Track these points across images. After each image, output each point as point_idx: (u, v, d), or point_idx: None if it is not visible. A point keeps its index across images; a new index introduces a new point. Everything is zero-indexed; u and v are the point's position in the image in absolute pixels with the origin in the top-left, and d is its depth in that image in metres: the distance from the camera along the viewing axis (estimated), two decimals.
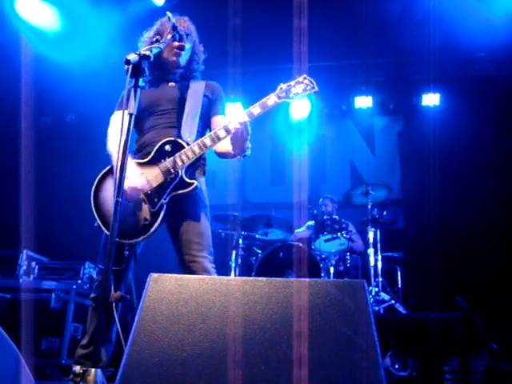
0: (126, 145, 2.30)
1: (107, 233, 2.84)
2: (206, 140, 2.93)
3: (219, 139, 2.93)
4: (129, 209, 2.86)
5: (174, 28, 3.01)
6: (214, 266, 2.95)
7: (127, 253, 2.85)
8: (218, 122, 3.22)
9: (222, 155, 3.19)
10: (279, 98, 2.98)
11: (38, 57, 6.46)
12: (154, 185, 2.89)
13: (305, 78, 2.99)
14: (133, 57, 2.40)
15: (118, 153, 2.27)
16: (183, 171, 2.90)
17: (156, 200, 2.86)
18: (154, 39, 3.04)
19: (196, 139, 3.02)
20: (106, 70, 6.47)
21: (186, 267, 2.87)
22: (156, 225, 2.83)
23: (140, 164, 2.96)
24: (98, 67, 6.62)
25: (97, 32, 6.41)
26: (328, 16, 6.35)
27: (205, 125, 3.22)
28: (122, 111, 3.05)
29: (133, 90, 2.37)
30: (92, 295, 3.00)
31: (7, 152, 6.66)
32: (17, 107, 6.73)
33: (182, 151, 2.92)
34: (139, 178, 2.85)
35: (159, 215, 2.83)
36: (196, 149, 2.92)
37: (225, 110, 3.34)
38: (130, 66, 2.39)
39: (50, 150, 7.30)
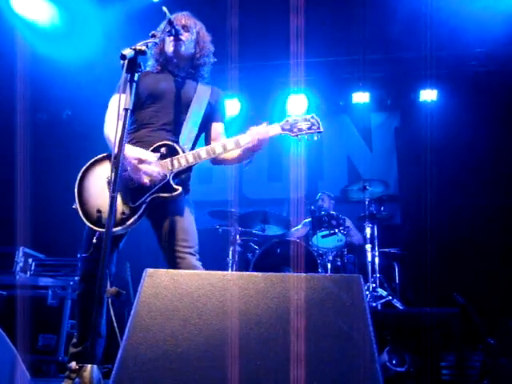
0: (121, 141, 2.29)
1: (84, 220, 2.83)
2: (202, 152, 2.94)
3: (214, 154, 2.96)
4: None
5: (170, 23, 3.00)
6: (200, 262, 2.93)
7: (95, 241, 2.79)
8: (217, 129, 3.26)
9: (216, 162, 3.22)
10: (283, 129, 3.00)
11: (34, 53, 6.44)
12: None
13: (312, 117, 3.01)
14: (128, 52, 2.40)
15: (114, 148, 2.27)
16: (171, 176, 2.89)
17: (138, 197, 2.84)
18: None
19: (192, 146, 3.07)
20: (102, 66, 6.46)
21: (172, 264, 2.86)
22: (132, 219, 2.80)
23: None
24: (94, 63, 6.61)
25: (93, 28, 6.39)
26: (325, 12, 6.34)
27: (201, 132, 3.23)
28: (119, 94, 3.09)
29: (128, 84, 2.36)
30: (78, 291, 2.98)
31: (3, 148, 6.64)
32: (12, 103, 6.71)
33: (176, 156, 2.91)
34: (157, 164, 2.85)
35: (138, 211, 2.81)
36: (190, 158, 2.92)
37: (225, 117, 3.36)
38: (126, 61, 2.38)
39: (45, 147, 7.29)
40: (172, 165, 2.89)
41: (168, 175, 2.87)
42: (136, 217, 2.81)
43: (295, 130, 2.98)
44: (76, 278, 5.27)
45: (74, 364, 2.53)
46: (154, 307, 1.85)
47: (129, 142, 3.10)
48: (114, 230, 2.76)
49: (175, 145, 2.96)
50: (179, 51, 3.18)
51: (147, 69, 3.27)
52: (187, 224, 2.96)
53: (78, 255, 3.02)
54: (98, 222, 2.81)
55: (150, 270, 1.93)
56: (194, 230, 3.00)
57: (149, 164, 2.82)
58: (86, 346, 2.73)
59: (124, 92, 2.37)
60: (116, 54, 2.42)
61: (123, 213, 2.82)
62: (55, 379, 4.50)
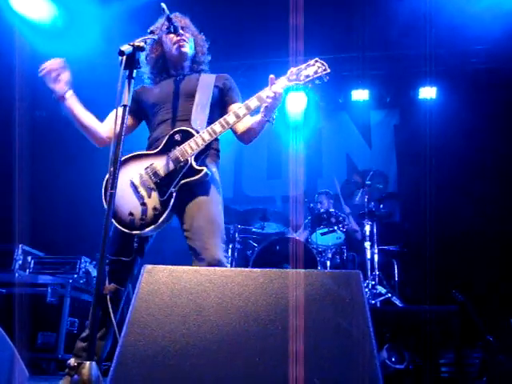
0: (119, 137, 2.28)
1: (116, 224, 2.81)
2: (216, 126, 2.89)
3: (229, 125, 2.90)
4: (138, 198, 2.84)
5: (169, 20, 2.99)
6: (226, 255, 2.88)
7: (136, 245, 2.81)
8: (236, 108, 3.15)
9: (243, 135, 3.14)
10: (289, 80, 2.93)
11: (33, 50, 6.42)
12: (163, 174, 2.86)
13: (316, 61, 2.94)
14: (127, 48, 2.38)
15: (112, 145, 2.26)
16: (192, 158, 2.85)
17: (165, 189, 2.82)
18: (149, 30, 3.03)
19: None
20: (101, 63, 6.44)
21: (196, 254, 2.80)
22: (166, 214, 2.78)
23: (149, 155, 2.94)
24: (93, 60, 6.59)
25: (92, 26, 6.37)
26: (324, 9, 6.32)
27: (215, 116, 3.13)
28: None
29: (127, 80, 2.35)
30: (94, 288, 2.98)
31: (1, 146, 6.62)
32: (11, 101, 6.69)
33: (192, 139, 2.88)
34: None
35: (169, 204, 2.79)
36: (206, 136, 2.88)
37: (240, 98, 3.28)
38: (124, 57, 2.37)
39: (45, 144, 7.27)
40: (191, 148, 2.85)
41: (189, 159, 2.84)
42: (168, 211, 2.79)
43: (302, 77, 2.92)
44: (75, 275, 5.29)
45: (72, 361, 2.52)
46: (153, 304, 1.84)
47: (149, 144, 3.11)
48: (147, 230, 2.80)
49: (188, 128, 2.92)
50: (185, 53, 3.20)
51: (145, 83, 3.28)
52: (212, 213, 2.90)
53: (109, 256, 2.94)
54: (130, 224, 2.80)
55: (148, 267, 1.93)
56: (221, 220, 2.94)
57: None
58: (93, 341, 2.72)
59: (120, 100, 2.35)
60: (115, 51, 2.41)
61: (155, 208, 2.80)
62: (55, 377, 4.49)
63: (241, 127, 3.09)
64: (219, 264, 2.78)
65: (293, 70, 2.95)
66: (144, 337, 1.78)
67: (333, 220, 5.79)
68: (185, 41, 3.16)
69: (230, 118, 2.91)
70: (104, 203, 2.88)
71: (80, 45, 6.42)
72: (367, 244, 5.89)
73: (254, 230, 6.26)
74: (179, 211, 2.95)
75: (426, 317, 4.07)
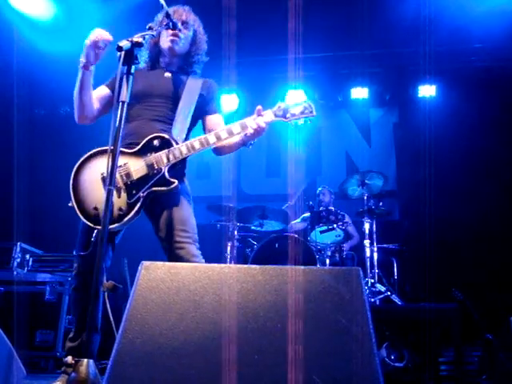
0: (118, 132, 2.27)
1: (81, 217, 2.82)
2: (195, 143, 2.89)
3: (208, 144, 2.91)
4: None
5: (168, 16, 2.98)
6: (200, 253, 2.91)
7: (93, 239, 2.76)
8: (215, 120, 3.20)
9: (217, 149, 3.17)
10: (276, 115, 2.96)
11: (32, 48, 6.41)
12: (135, 177, 2.85)
13: (305, 102, 2.99)
14: (125, 43, 2.38)
15: (110, 140, 2.25)
16: (167, 169, 2.85)
17: (134, 192, 2.82)
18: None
19: (185, 138, 3.02)
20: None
21: (173, 255, 2.83)
22: (130, 215, 2.78)
23: (125, 153, 2.91)
24: None
25: (92, 22, 6.34)
26: (323, 6, 6.30)
27: (194, 123, 3.19)
28: (104, 86, 3.13)
29: (125, 76, 2.34)
30: (73, 285, 2.97)
31: (0, 144, 6.61)
32: (10, 99, 6.68)
33: (170, 149, 2.87)
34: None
35: (135, 207, 2.79)
36: (184, 149, 2.88)
37: (221, 108, 3.31)
38: (122, 53, 2.36)
39: (43, 142, 7.26)
40: (167, 158, 2.86)
41: (163, 168, 2.84)
42: (133, 213, 2.79)
43: (288, 115, 2.96)
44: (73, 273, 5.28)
45: (69, 358, 2.51)
46: (150, 300, 1.83)
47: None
48: (112, 226, 2.76)
49: (168, 137, 2.92)
50: (174, 49, 3.17)
51: (140, 65, 3.26)
52: (185, 214, 2.93)
53: (74, 252, 2.98)
54: (94, 219, 2.79)
55: (145, 263, 1.91)
56: (193, 220, 2.97)
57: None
58: (83, 340, 2.72)
59: (118, 94, 2.34)
60: (114, 48, 2.40)
61: (120, 209, 2.80)
62: (53, 375, 4.47)
63: (218, 146, 3.09)
64: (196, 261, 2.82)
65: (281, 105, 2.98)
66: (142, 334, 1.76)
67: (332, 218, 5.78)
68: (178, 37, 3.13)
69: (210, 137, 2.91)
70: (71, 191, 2.89)
71: (79, 42, 6.38)
72: (366, 242, 5.88)
73: (252, 228, 6.25)
74: (150, 213, 2.98)
75: (425, 315, 4.06)
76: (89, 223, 2.78)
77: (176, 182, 2.86)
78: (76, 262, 2.90)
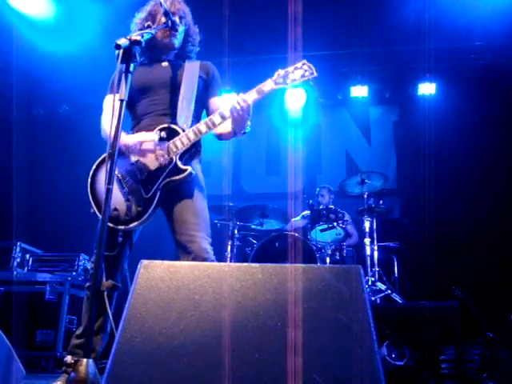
0: (117, 130, 2.27)
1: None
2: (201, 127, 2.90)
3: (214, 126, 2.91)
4: (123, 194, 2.86)
5: (166, 14, 2.97)
6: (212, 248, 2.89)
7: (120, 239, 2.84)
8: (215, 103, 3.19)
9: (219, 137, 3.16)
10: (276, 83, 2.92)
11: (31, 47, 6.40)
12: (149, 171, 2.86)
13: (304, 64, 2.94)
14: (123, 41, 2.37)
15: (109, 139, 2.25)
16: (177, 157, 2.86)
17: (150, 186, 2.84)
18: (146, 24, 3.02)
19: (192, 124, 2.99)
20: (99, 60, 6.40)
21: (183, 248, 2.82)
22: (149, 211, 2.81)
23: None
24: (91, 57, 6.56)
25: (90, 21, 6.33)
26: (322, 5, 6.29)
27: (199, 108, 3.18)
28: (112, 95, 3.05)
29: (123, 74, 2.33)
30: (87, 284, 3.00)
31: (0, 144, 6.61)
32: (9, 98, 6.67)
33: (177, 137, 2.88)
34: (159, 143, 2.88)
35: (153, 201, 2.81)
36: (191, 135, 2.89)
37: (220, 90, 3.31)
38: (121, 51, 2.35)
39: (42, 142, 7.26)
40: (176, 146, 2.86)
41: (174, 157, 2.85)
42: (152, 208, 2.81)
43: (288, 81, 2.91)
44: (73, 273, 5.27)
45: (69, 358, 2.50)
46: (150, 299, 1.82)
47: (132, 131, 3.09)
48: (132, 225, 2.82)
49: (174, 126, 2.93)
50: (174, 44, 3.17)
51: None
52: (199, 207, 2.93)
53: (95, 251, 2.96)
54: (116, 220, 2.80)
55: (145, 262, 1.90)
56: (206, 214, 2.97)
57: (151, 143, 2.84)
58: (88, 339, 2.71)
59: (117, 91, 2.34)
60: (113, 47, 2.39)
61: (139, 205, 2.82)
62: (53, 375, 4.47)
63: (219, 129, 3.07)
64: (206, 256, 2.81)
65: (280, 72, 2.94)
66: (141, 333, 1.76)
67: (332, 216, 5.77)
68: (177, 31, 3.12)
69: (215, 118, 2.91)
70: (90, 198, 2.92)
71: (78, 41, 6.39)
72: (367, 240, 5.87)
73: (253, 226, 6.25)
74: (164, 207, 2.97)
75: (425, 313, 4.05)
76: (111, 225, 2.78)
77: (189, 168, 2.87)
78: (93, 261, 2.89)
